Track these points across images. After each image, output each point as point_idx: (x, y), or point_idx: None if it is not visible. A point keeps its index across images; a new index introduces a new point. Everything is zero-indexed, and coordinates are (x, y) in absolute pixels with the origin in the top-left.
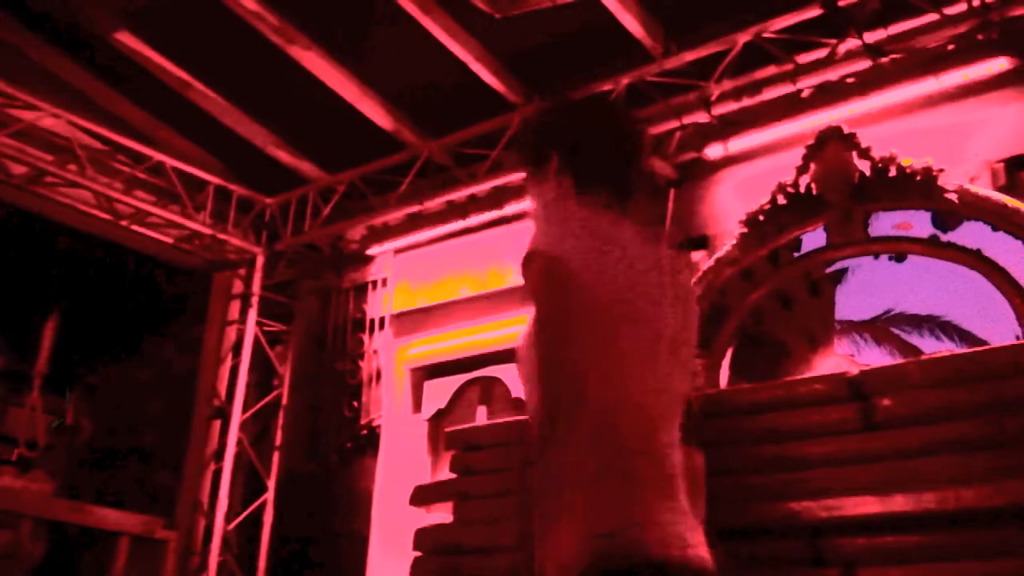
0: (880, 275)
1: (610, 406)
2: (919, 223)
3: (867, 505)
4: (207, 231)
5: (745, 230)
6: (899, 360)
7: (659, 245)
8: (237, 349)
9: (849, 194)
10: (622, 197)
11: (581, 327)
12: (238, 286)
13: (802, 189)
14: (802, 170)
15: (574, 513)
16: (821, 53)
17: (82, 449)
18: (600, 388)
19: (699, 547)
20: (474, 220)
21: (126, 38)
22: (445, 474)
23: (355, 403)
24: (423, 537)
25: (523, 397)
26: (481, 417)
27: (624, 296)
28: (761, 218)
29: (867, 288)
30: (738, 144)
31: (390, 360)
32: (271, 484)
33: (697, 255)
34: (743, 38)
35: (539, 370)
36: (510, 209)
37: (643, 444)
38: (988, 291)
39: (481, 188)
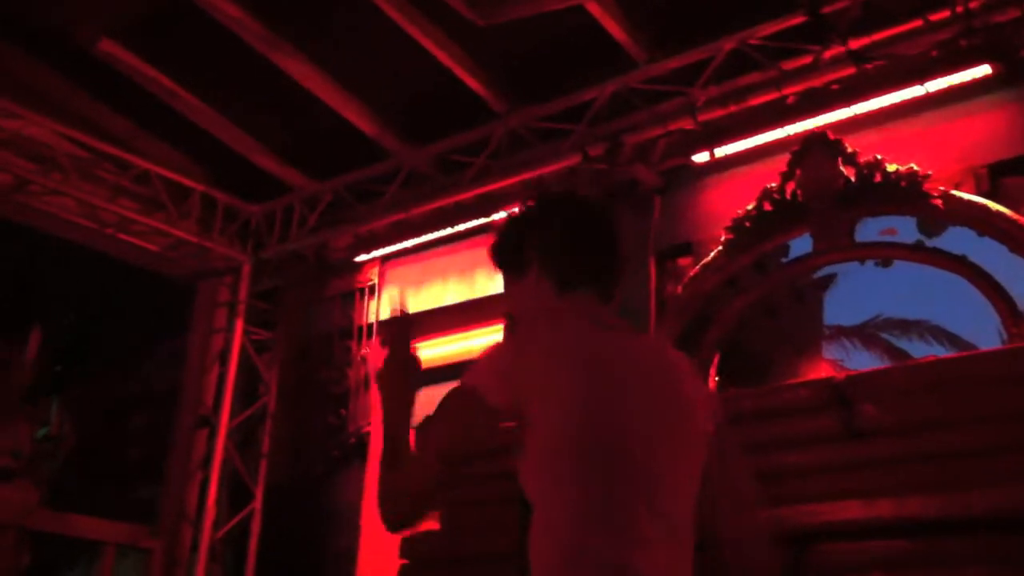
0: (870, 280)
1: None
2: (904, 229)
3: (851, 511)
4: (192, 239)
5: (731, 236)
6: (886, 365)
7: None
8: (223, 357)
9: (834, 200)
10: (604, 294)
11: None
12: (224, 294)
13: (788, 195)
14: (787, 176)
15: None
16: (806, 60)
17: (67, 459)
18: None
19: None
20: (460, 227)
21: (110, 47)
22: None
23: (342, 411)
24: (410, 546)
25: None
26: None
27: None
28: (747, 224)
29: (857, 293)
30: (724, 151)
31: (377, 368)
32: (258, 493)
33: (683, 262)
34: (728, 45)
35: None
36: (496, 216)
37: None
38: (975, 296)
39: (466, 195)
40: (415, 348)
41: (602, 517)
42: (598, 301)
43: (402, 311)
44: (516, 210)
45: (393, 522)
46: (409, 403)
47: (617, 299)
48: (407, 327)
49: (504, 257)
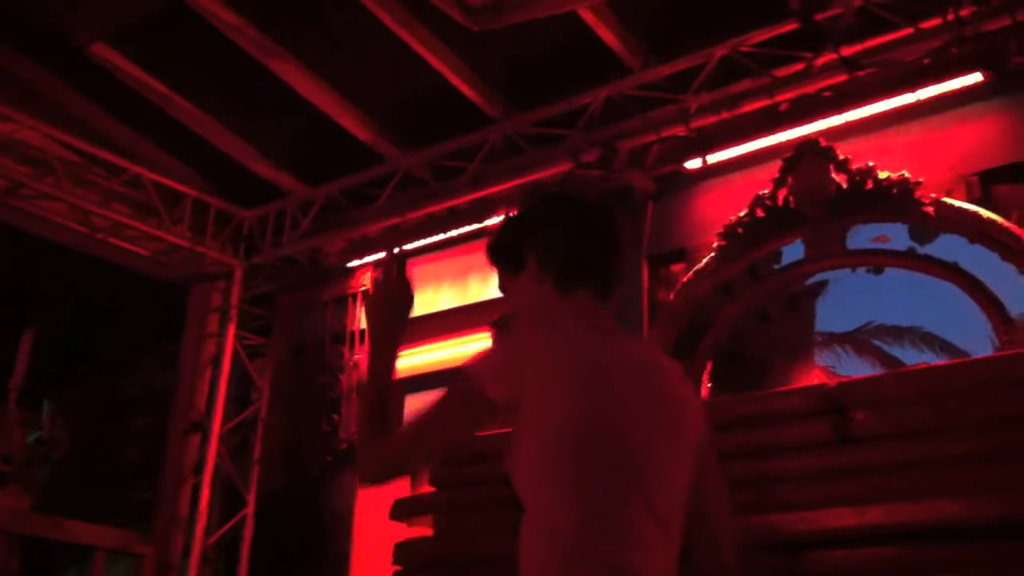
0: (862, 287)
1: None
2: (896, 236)
3: (844, 518)
4: (185, 244)
5: (723, 243)
6: (878, 372)
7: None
8: (216, 362)
9: (826, 207)
10: (603, 294)
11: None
12: (217, 299)
13: (780, 202)
14: (780, 183)
15: None
16: (798, 67)
17: (59, 463)
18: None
19: None
20: (454, 232)
21: (104, 51)
22: (425, 488)
23: (335, 417)
24: (403, 552)
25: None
26: None
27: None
28: (739, 231)
29: (849, 300)
30: (716, 157)
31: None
32: (251, 499)
33: (675, 268)
34: (720, 52)
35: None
36: (490, 222)
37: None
38: (967, 303)
39: (460, 201)
40: (410, 283)
41: (600, 516)
42: (597, 302)
43: (400, 251)
44: (514, 208)
45: (365, 477)
46: (397, 335)
47: (616, 299)
48: (403, 262)
49: (501, 254)
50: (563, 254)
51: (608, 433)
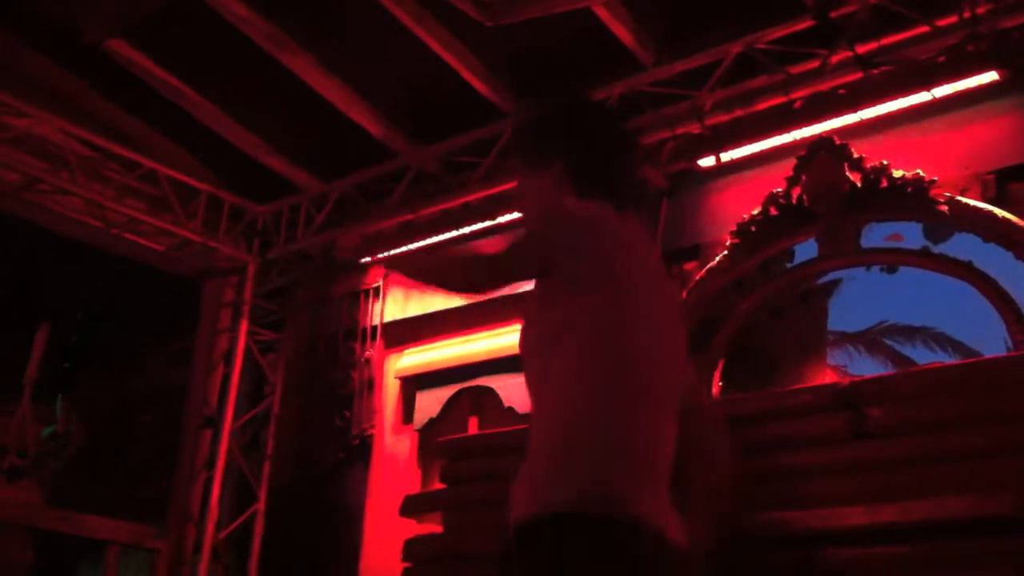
0: (874, 286)
1: (640, 383)
2: (910, 234)
3: (857, 516)
4: (198, 239)
5: (736, 241)
6: (891, 371)
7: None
8: (228, 358)
9: (840, 205)
10: (621, 205)
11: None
12: (229, 294)
13: (793, 200)
14: (793, 181)
15: (563, 474)
16: (813, 64)
17: (72, 458)
18: (633, 366)
19: (675, 530)
20: (467, 229)
21: (119, 46)
22: (436, 484)
23: (347, 413)
24: (413, 548)
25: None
26: (472, 427)
27: (644, 283)
28: (752, 229)
29: (861, 299)
30: (730, 155)
31: (381, 370)
32: (262, 494)
33: (689, 265)
34: (735, 49)
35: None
36: (503, 219)
37: (652, 430)
38: (981, 303)
39: (473, 197)
40: None
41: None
42: (615, 210)
43: None
44: (545, 102)
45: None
46: None
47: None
48: None
49: (525, 146)
50: (589, 163)
51: (649, 331)
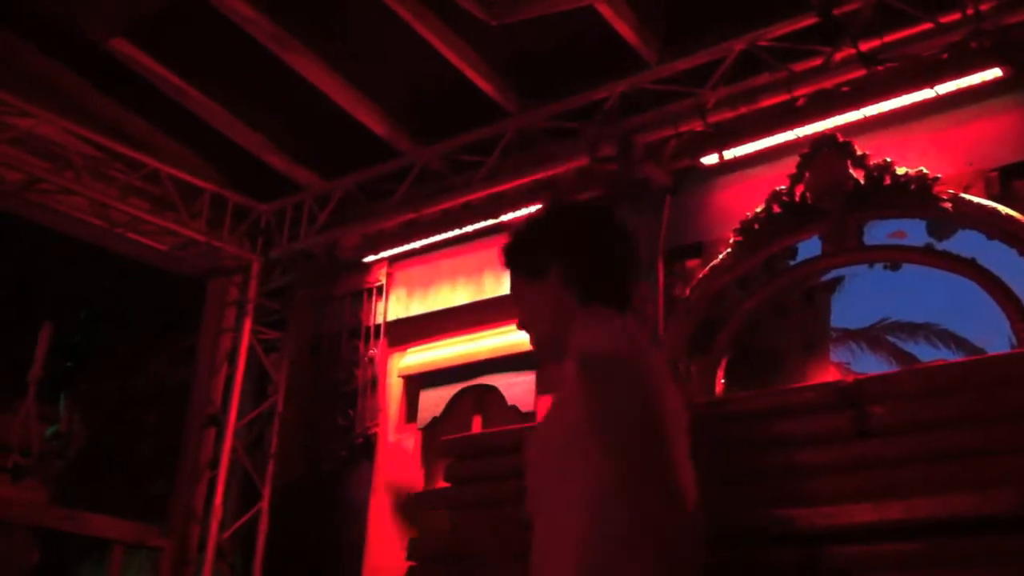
0: (877, 283)
1: (671, 523)
2: (914, 232)
3: (861, 513)
4: (202, 238)
5: (739, 238)
6: (894, 368)
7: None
8: (232, 357)
9: (844, 203)
10: (622, 307)
11: (640, 435)
12: (233, 293)
13: (796, 198)
14: (797, 178)
15: None
16: (816, 62)
17: (76, 457)
18: (661, 503)
19: None
20: (469, 228)
21: (122, 45)
22: (440, 483)
23: (350, 411)
24: (417, 546)
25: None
26: (476, 426)
27: (660, 398)
28: (756, 226)
29: (864, 296)
30: (733, 152)
31: (385, 369)
32: (266, 493)
33: (692, 263)
34: (738, 46)
35: (600, 485)
36: (505, 217)
37: (697, 557)
38: (984, 299)
39: (476, 196)
40: None
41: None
42: (618, 313)
43: None
44: (535, 212)
45: None
46: None
47: (632, 311)
48: None
49: (520, 258)
50: (589, 270)
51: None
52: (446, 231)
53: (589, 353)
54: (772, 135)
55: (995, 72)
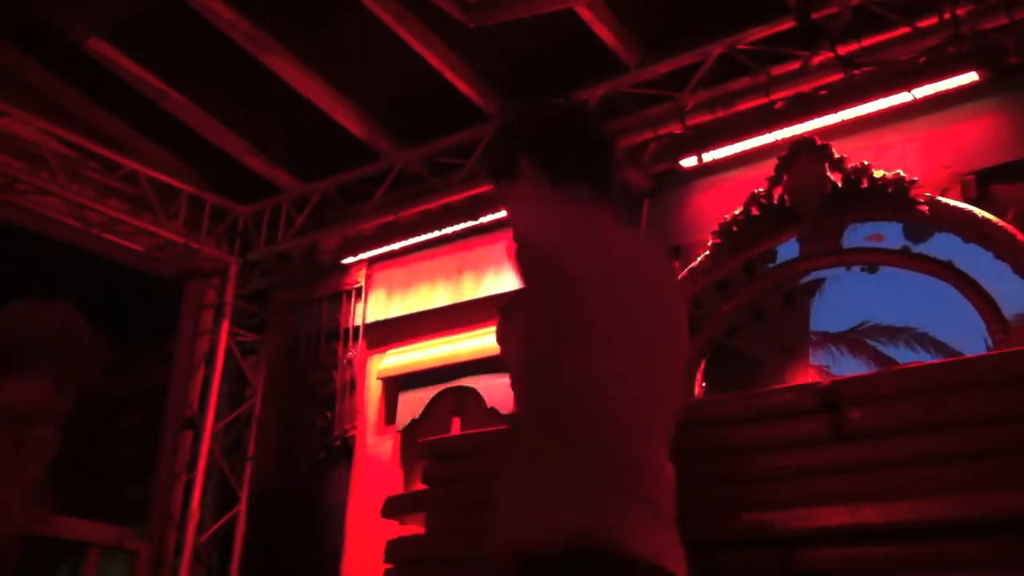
0: (857, 287)
1: (604, 410)
2: (891, 234)
3: (837, 516)
4: (180, 240)
5: (718, 241)
6: (872, 371)
7: (641, 240)
8: (209, 359)
9: (822, 205)
10: (599, 194)
11: (579, 326)
12: (211, 296)
13: (775, 200)
14: (775, 181)
15: (547, 506)
16: (794, 65)
17: (54, 459)
18: (594, 392)
19: (675, 562)
20: (449, 230)
21: (100, 46)
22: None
23: (328, 414)
24: (394, 550)
25: (513, 394)
26: (455, 428)
27: (616, 291)
28: (734, 229)
29: (843, 299)
30: (712, 155)
31: (364, 371)
32: (243, 495)
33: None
34: (717, 50)
35: (531, 369)
36: (485, 219)
37: (635, 455)
38: (961, 302)
39: (456, 198)
40: None
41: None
42: (594, 195)
43: None
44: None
45: None
46: None
47: (612, 190)
48: None
49: (496, 164)
50: (552, 148)
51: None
52: (425, 233)
53: (522, 240)
54: (751, 138)
55: (972, 76)
